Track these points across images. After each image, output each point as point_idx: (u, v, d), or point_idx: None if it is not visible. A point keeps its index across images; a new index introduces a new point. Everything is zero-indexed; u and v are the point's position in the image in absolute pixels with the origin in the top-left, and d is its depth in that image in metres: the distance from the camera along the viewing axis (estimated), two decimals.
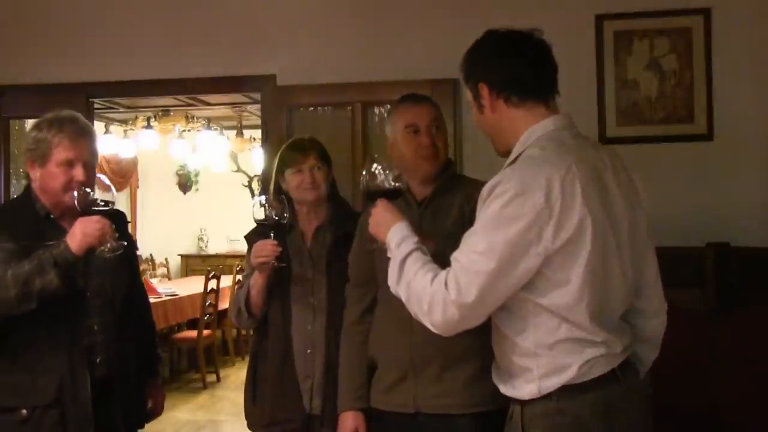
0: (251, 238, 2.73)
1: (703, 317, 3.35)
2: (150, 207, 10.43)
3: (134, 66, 4.35)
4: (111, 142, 8.39)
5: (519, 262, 1.65)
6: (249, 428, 2.75)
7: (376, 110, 4.10)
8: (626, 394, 1.77)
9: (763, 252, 3.54)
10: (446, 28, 4.03)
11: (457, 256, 1.72)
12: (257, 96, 4.46)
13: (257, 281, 2.60)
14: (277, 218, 2.53)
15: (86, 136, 2.41)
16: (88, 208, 2.27)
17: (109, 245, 2.27)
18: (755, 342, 3.25)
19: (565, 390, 1.72)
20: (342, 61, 4.12)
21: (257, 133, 7.42)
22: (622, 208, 1.78)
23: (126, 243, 2.34)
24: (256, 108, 6.06)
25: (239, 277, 6.49)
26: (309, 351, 2.63)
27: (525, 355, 1.76)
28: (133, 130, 8.41)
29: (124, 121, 8.70)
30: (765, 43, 3.83)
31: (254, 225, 2.75)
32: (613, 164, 1.82)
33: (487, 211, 1.68)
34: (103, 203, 2.30)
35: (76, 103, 4.30)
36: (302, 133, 4.13)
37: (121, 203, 9.73)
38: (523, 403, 1.78)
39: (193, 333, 7.20)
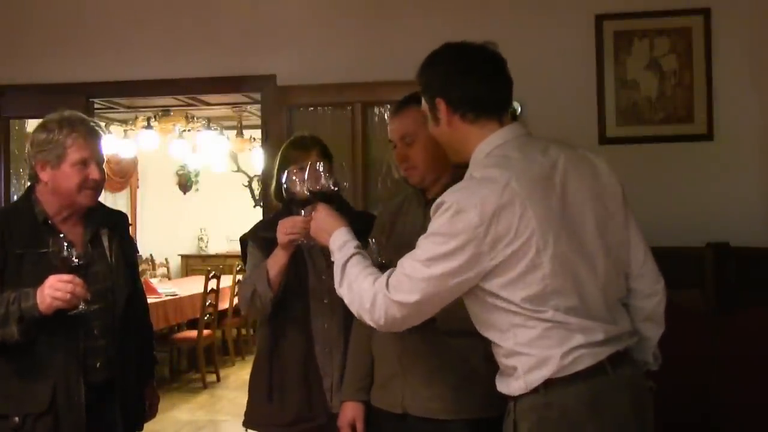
0: (252, 235, 2.72)
1: (703, 317, 3.35)
2: (150, 207, 10.43)
3: (134, 66, 4.35)
4: (111, 142, 8.38)
5: (456, 275, 1.76)
6: (255, 428, 2.69)
7: (376, 110, 4.11)
8: (617, 387, 1.78)
9: (763, 252, 3.54)
10: (446, 28, 4.03)
11: (402, 261, 1.82)
12: (257, 96, 4.47)
13: (279, 259, 2.49)
14: (308, 193, 2.23)
15: (97, 135, 2.42)
16: (63, 265, 2.21)
17: (81, 307, 2.23)
18: (755, 342, 3.25)
19: (551, 384, 1.76)
20: (342, 61, 4.12)
21: (257, 133, 7.42)
22: (583, 204, 1.82)
23: (97, 306, 2.30)
24: (256, 108, 6.07)
25: (239, 277, 6.50)
26: (327, 350, 2.62)
27: (509, 354, 1.82)
28: (133, 130, 8.40)
29: (124, 121, 8.70)
30: (765, 43, 3.83)
31: (250, 227, 2.76)
32: (567, 161, 1.85)
33: (432, 225, 1.79)
34: (76, 261, 2.23)
35: (76, 103, 4.30)
36: (305, 133, 4.15)
37: (121, 203, 9.74)
38: (515, 399, 1.83)
39: (193, 333, 7.20)
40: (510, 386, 1.84)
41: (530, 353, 1.77)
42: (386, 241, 2.39)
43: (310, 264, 2.63)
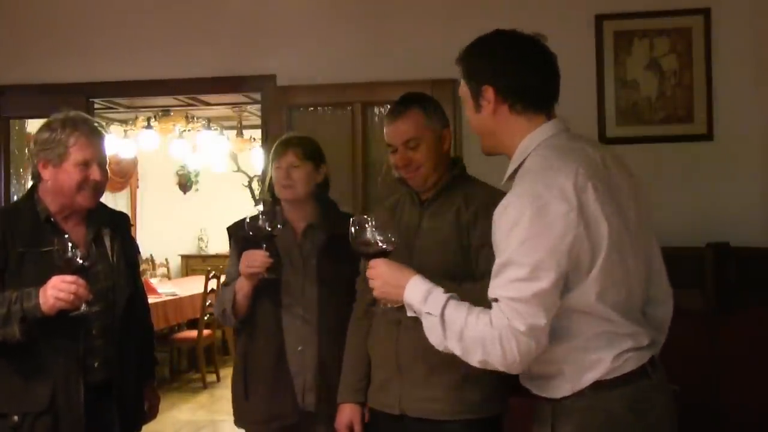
0: (234, 231, 2.74)
1: (703, 317, 3.35)
2: (150, 207, 10.42)
3: (134, 66, 4.35)
4: (111, 142, 8.35)
5: (564, 270, 1.65)
6: (238, 425, 2.77)
7: (376, 110, 4.10)
8: (655, 390, 1.77)
9: (763, 252, 3.54)
10: (446, 28, 4.03)
11: (499, 293, 1.66)
12: (257, 96, 4.46)
13: (244, 287, 2.60)
14: (270, 230, 2.51)
15: (100, 136, 2.43)
16: (67, 265, 2.20)
17: (82, 308, 2.22)
18: (755, 342, 3.25)
19: (597, 386, 1.72)
20: (342, 61, 4.12)
21: (257, 133, 7.42)
22: (627, 202, 1.80)
23: (98, 308, 2.30)
24: (256, 108, 6.06)
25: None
26: (300, 348, 2.63)
27: (558, 357, 1.75)
28: (133, 130, 8.40)
29: (124, 121, 8.69)
30: (765, 43, 3.83)
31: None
32: (612, 158, 1.83)
33: (510, 237, 1.65)
34: (81, 261, 2.22)
35: (76, 103, 4.29)
36: (302, 133, 4.15)
37: (121, 203, 9.73)
38: (554, 401, 1.77)
39: (193, 333, 7.20)
40: (553, 389, 1.77)
41: (582, 355, 1.72)
42: None
43: (286, 261, 2.65)
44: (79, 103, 4.33)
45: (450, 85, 3.92)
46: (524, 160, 1.78)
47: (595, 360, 1.72)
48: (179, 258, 10.77)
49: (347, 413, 2.43)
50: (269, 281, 2.57)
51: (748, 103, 3.82)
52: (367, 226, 1.93)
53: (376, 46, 4.11)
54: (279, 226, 2.53)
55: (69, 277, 2.19)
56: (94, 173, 2.37)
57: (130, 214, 9.88)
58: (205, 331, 7.14)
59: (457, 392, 2.23)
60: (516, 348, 1.62)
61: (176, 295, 7.16)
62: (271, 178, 2.74)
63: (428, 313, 1.74)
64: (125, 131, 8.57)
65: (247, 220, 2.55)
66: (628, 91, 3.91)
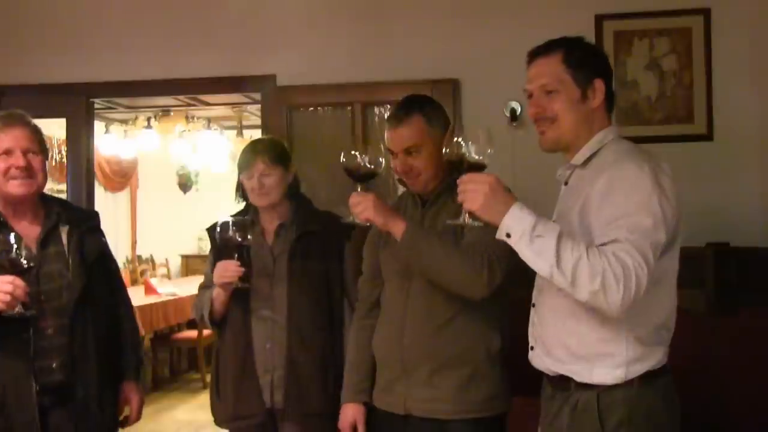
0: (210, 238, 2.78)
1: (703, 317, 3.35)
2: (150, 207, 10.42)
3: (134, 66, 4.35)
4: (111, 142, 8.38)
5: (669, 236, 1.79)
6: (216, 424, 2.81)
7: (376, 110, 4.10)
8: (673, 383, 1.89)
9: (763, 252, 3.53)
10: (446, 28, 4.04)
11: (623, 235, 1.71)
12: (257, 96, 4.46)
13: (220, 295, 2.63)
14: (240, 240, 2.53)
15: (17, 125, 2.40)
16: (11, 266, 2.16)
17: (17, 310, 2.16)
18: (755, 342, 3.25)
19: (645, 377, 1.81)
20: (342, 61, 4.12)
21: (257, 133, 7.40)
22: None
23: (36, 314, 2.24)
24: (256, 108, 6.06)
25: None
26: (268, 346, 2.64)
27: (613, 342, 1.82)
28: (133, 130, 8.40)
29: (124, 121, 8.69)
30: (765, 43, 3.83)
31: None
32: None
33: (631, 197, 1.76)
34: (25, 263, 2.18)
35: (76, 103, 4.32)
36: (302, 133, 4.15)
37: (121, 203, 9.74)
38: (600, 390, 1.82)
39: (193, 333, 7.19)
40: (601, 376, 1.83)
41: (639, 343, 1.81)
42: (383, 243, 2.40)
43: (256, 264, 2.65)
44: (79, 103, 4.35)
45: (450, 85, 3.93)
46: (599, 149, 1.94)
47: (650, 351, 1.82)
48: (179, 258, 10.77)
49: (350, 413, 2.44)
50: (241, 289, 2.60)
51: (748, 103, 3.82)
52: (461, 140, 1.80)
53: (377, 46, 4.11)
54: (249, 237, 2.55)
55: (6, 278, 2.15)
56: (17, 160, 2.34)
57: (130, 214, 9.95)
58: (205, 331, 7.12)
59: (461, 392, 2.23)
60: (635, 285, 1.66)
61: (176, 295, 7.14)
62: (240, 183, 2.76)
63: (539, 236, 1.69)
64: (125, 131, 8.57)
65: (218, 229, 2.57)
66: (628, 91, 3.90)
